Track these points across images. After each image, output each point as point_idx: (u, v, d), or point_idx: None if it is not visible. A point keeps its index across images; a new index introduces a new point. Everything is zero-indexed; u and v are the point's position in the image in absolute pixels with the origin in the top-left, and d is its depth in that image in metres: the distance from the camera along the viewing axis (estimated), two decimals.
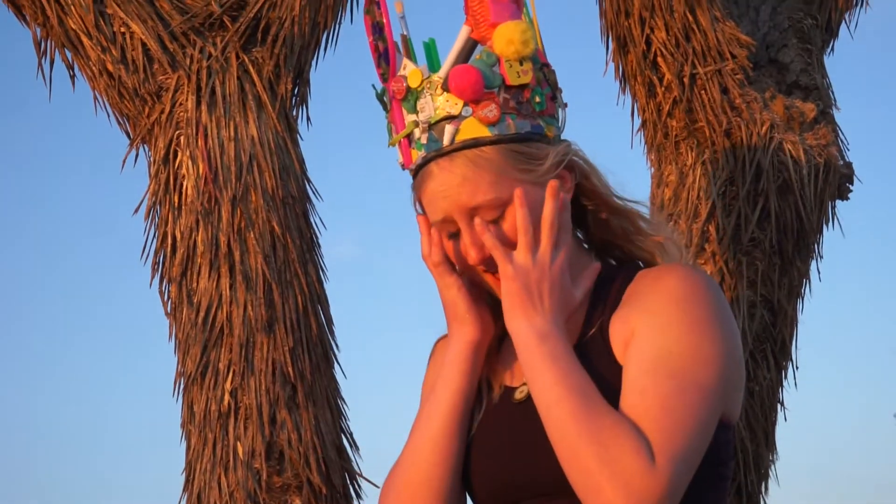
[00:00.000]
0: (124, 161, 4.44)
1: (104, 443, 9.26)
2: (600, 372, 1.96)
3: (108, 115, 4.47)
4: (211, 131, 4.29)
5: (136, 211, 4.40)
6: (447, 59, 2.07)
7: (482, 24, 2.06)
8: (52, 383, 9.56)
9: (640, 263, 2.13)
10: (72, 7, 4.34)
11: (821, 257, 4.86)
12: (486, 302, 2.12)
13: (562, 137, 2.11)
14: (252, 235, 4.24)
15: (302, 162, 4.42)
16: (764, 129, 4.68)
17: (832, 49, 5.17)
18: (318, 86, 4.58)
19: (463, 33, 2.08)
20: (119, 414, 9.27)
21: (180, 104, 4.33)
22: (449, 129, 2.02)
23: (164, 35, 4.34)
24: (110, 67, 4.35)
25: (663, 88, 4.80)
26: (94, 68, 4.37)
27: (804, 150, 4.69)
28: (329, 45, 4.52)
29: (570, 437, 1.85)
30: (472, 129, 2.01)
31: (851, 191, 4.91)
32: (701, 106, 4.73)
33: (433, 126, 2.03)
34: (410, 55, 2.09)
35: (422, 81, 2.05)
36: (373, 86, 2.14)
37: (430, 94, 2.03)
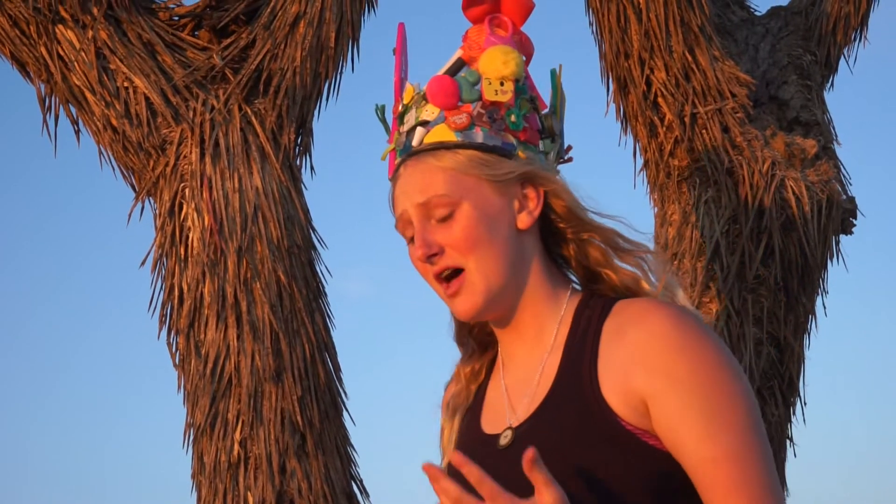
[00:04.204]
0: (130, 214, 4.45)
1: (115, 496, 9.26)
2: (582, 421, 1.95)
3: (114, 169, 4.48)
4: (215, 183, 4.31)
5: (143, 263, 4.41)
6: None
7: (474, 48, 2.14)
8: (62, 438, 9.56)
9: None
10: (75, 63, 4.36)
11: (826, 293, 4.85)
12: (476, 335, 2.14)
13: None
14: (258, 286, 4.25)
15: (306, 211, 4.43)
16: (765, 166, 4.69)
17: (832, 84, 5.16)
18: (321, 135, 4.61)
19: (455, 55, 2.16)
20: (130, 466, 9.27)
21: (184, 157, 4.34)
22: (419, 131, 2.09)
23: (166, 89, 4.36)
24: (114, 122, 4.37)
25: (664, 128, 4.81)
26: (98, 123, 4.39)
27: (806, 187, 4.69)
28: (331, 95, 4.55)
29: None
30: (440, 133, 2.08)
31: (855, 225, 4.90)
32: (702, 145, 4.74)
33: (410, 132, 2.11)
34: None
35: (413, 97, 2.13)
36: (376, 105, 2.23)
37: (415, 107, 2.12)
